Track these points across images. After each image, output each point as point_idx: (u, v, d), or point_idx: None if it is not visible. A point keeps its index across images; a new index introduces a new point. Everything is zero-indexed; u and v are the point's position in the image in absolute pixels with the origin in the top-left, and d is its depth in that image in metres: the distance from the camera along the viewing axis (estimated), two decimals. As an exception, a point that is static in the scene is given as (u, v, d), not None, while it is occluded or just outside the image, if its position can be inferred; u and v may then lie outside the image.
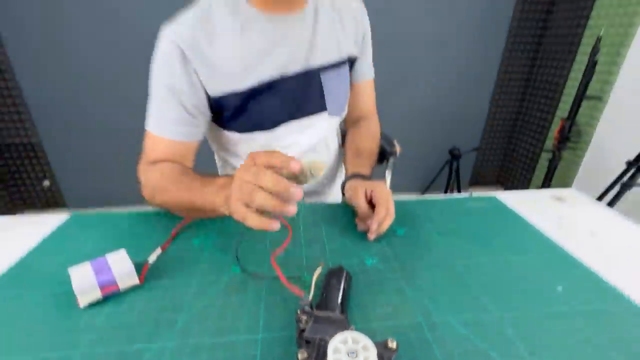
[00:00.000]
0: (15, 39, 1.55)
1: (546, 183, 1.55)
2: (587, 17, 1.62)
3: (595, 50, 1.29)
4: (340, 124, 0.75)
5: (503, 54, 1.91)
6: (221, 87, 0.53)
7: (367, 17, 0.65)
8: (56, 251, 0.46)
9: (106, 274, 0.36)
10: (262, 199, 0.33)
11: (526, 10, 1.82)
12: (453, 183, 2.05)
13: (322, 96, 0.61)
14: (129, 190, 1.91)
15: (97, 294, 0.36)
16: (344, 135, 0.77)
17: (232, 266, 0.44)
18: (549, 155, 1.56)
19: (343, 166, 0.73)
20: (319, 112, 0.62)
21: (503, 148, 2.24)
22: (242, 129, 0.58)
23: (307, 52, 0.57)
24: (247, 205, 0.35)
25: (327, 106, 0.62)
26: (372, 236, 0.48)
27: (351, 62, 0.65)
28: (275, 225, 0.35)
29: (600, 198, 1.24)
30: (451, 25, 1.78)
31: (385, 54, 1.80)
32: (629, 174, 1.14)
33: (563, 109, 1.77)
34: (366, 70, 0.69)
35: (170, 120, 0.53)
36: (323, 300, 0.35)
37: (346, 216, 0.56)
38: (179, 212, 0.52)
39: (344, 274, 0.39)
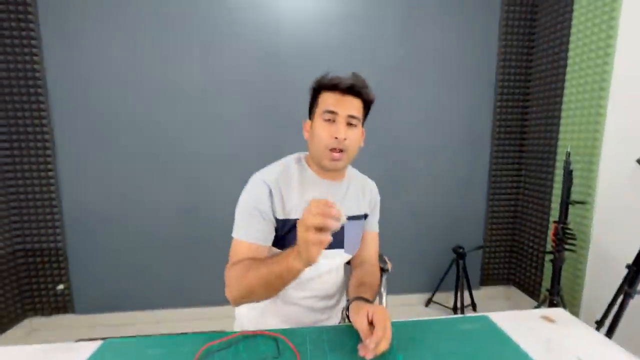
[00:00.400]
0: (66, 150, 1.81)
1: (554, 286, 1.55)
2: (557, 132, 1.87)
3: (567, 163, 1.47)
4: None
5: (490, 160, 2.14)
6: (285, 215, 0.77)
7: (377, 193, 0.95)
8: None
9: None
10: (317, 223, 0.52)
11: (504, 125, 2.11)
12: (462, 282, 2.03)
13: (342, 238, 0.81)
14: (138, 295, 1.95)
15: None
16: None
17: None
18: (551, 257, 1.60)
19: (344, 294, 0.91)
20: (338, 249, 0.82)
21: (508, 246, 2.28)
22: (282, 248, 0.76)
23: (342, 207, 0.75)
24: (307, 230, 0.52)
25: (345, 245, 0.82)
26: (369, 355, 0.54)
27: (365, 217, 0.90)
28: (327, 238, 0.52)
29: (610, 306, 1.23)
30: (442, 136, 2.06)
31: (386, 163, 2.04)
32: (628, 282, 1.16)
33: (556, 209, 1.88)
34: (373, 224, 0.94)
35: (253, 229, 0.74)
36: None
37: (351, 340, 0.61)
38: (261, 291, 0.65)
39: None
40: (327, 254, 0.80)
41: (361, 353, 0.55)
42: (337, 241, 0.79)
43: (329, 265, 0.85)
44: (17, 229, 1.86)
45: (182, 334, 0.62)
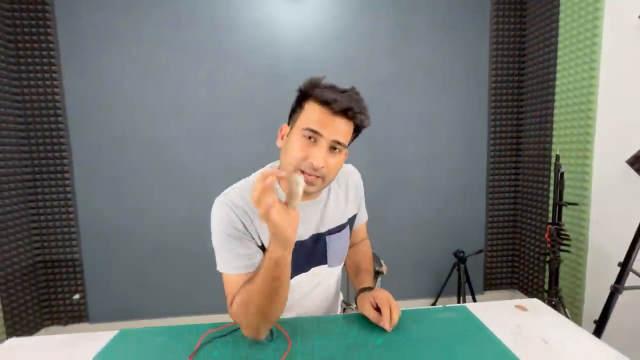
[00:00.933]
0: (82, 166, 1.94)
1: (551, 287, 1.57)
2: (551, 136, 1.92)
3: (557, 166, 1.52)
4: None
5: (487, 166, 2.19)
6: (264, 241, 0.70)
7: (361, 182, 0.89)
8: (109, 363, 0.59)
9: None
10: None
11: (499, 131, 2.17)
12: (464, 286, 2.06)
13: (325, 254, 0.78)
14: (150, 304, 2.04)
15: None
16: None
17: (242, 374, 0.55)
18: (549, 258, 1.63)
19: (340, 296, 0.94)
20: (321, 265, 0.78)
21: (510, 250, 2.30)
22: None
23: (317, 224, 0.77)
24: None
25: (328, 261, 0.79)
26: (389, 328, 0.65)
27: (351, 220, 0.86)
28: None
29: (605, 309, 1.26)
30: (439, 144, 2.12)
31: (385, 172, 2.11)
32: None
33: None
34: (362, 217, 0.92)
35: (235, 257, 0.66)
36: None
37: (337, 328, 0.67)
38: (269, 306, 0.60)
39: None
40: (310, 272, 0.77)
41: (387, 328, 0.65)
42: (320, 257, 0.77)
43: (314, 280, 0.79)
44: (36, 241, 1.98)
45: (187, 325, 0.70)
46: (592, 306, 1.67)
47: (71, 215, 1.98)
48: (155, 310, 2.07)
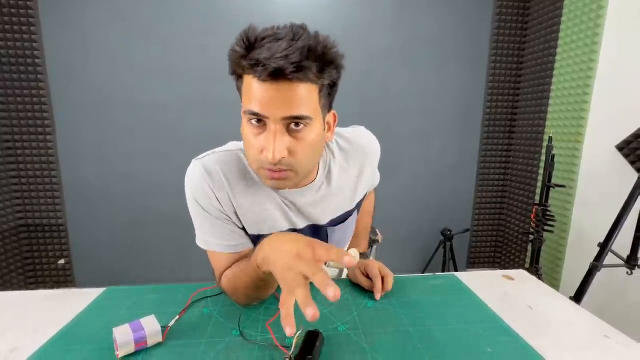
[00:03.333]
0: (66, 127, 1.86)
1: (532, 265, 1.63)
2: (545, 119, 1.92)
3: (549, 148, 1.53)
4: None
5: (480, 146, 2.20)
6: (244, 223, 0.60)
7: (378, 153, 0.72)
8: (97, 316, 0.59)
9: (140, 333, 0.49)
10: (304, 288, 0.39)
11: (494, 113, 2.16)
12: (449, 264, 2.12)
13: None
14: (137, 270, 2.03)
15: (132, 348, 0.48)
16: None
17: (233, 330, 0.55)
18: (532, 237, 1.67)
19: None
20: None
21: (494, 230, 2.36)
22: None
23: (318, 214, 0.63)
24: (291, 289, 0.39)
25: None
26: (378, 296, 0.64)
27: (359, 204, 0.72)
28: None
29: (583, 283, 1.31)
30: (434, 122, 2.11)
31: (380, 145, 2.09)
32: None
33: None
34: (375, 181, 0.78)
35: (215, 237, 0.58)
36: (300, 354, 0.46)
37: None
38: (259, 295, 0.58)
39: (319, 336, 0.50)
40: None
41: (376, 297, 0.64)
42: None
43: None
44: (19, 204, 1.92)
45: (177, 285, 0.69)
46: (569, 284, 1.75)
47: (54, 179, 1.91)
48: (143, 276, 2.07)
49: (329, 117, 0.55)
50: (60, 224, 1.99)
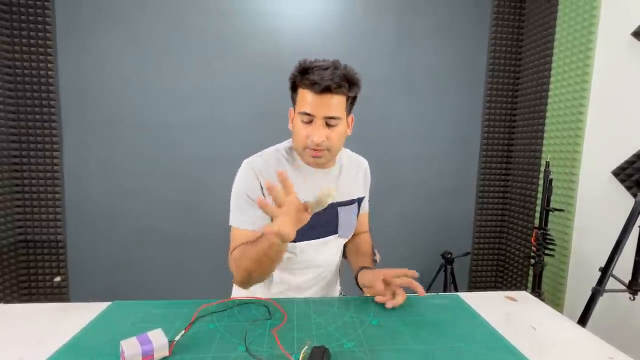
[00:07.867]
0: (72, 146, 1.89)
1: (534, 289, 1.62)
2: (542, 144, 1.97)
3: (547, 172, 1.56)
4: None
5: (478, 170, 2.24)
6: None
7: (369, 173, 0.97)
8: (104, 329, 0.59)
9: (148, 347, 0.49)
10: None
11: (492, 137, 2.22)
12: (450, 287, 2.10)
13: (337, 224, 0.85)
14: (135, 289, 2.00)
15: (139, 361, 0.48)
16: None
17: (239, 346, 0.55)
18: (533, 262, 1.67)
19: (338, 285, 0.97)
20: (332, 235, 0.85)
21: (496, 253, 2.35)
22: None
23: (328, 186, 0.80)
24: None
25: (339, 231, 0.86)
26: (389, 305, 0.69)
27: (359, 201, 0.93)
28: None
29: (587, 308, 1.30)
30: (433, 145, 2.16)
31: (377, 170, 2.11)
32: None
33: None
34: (365, 206, 0.99)
35: (246, 216, 0.76)
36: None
37: (332, 309, 0.68)
38: (256, 271, 0.69)
39: (326, 351, 0.50)
40: (321, 242, 0.83)
41: (388, 306, 0.69)
42: (332, 228, 0.84)
43: (323, 251, 0.85)
44: (19, 220, 1.92)
45: (182, 300, 0.69)
46: (572, 308, 1.73)
47: (57, 196, 1.93)
48: (141, 295, 2.03)
49: (350, 119, 0.81)
50: (60, 240, 1.98)
